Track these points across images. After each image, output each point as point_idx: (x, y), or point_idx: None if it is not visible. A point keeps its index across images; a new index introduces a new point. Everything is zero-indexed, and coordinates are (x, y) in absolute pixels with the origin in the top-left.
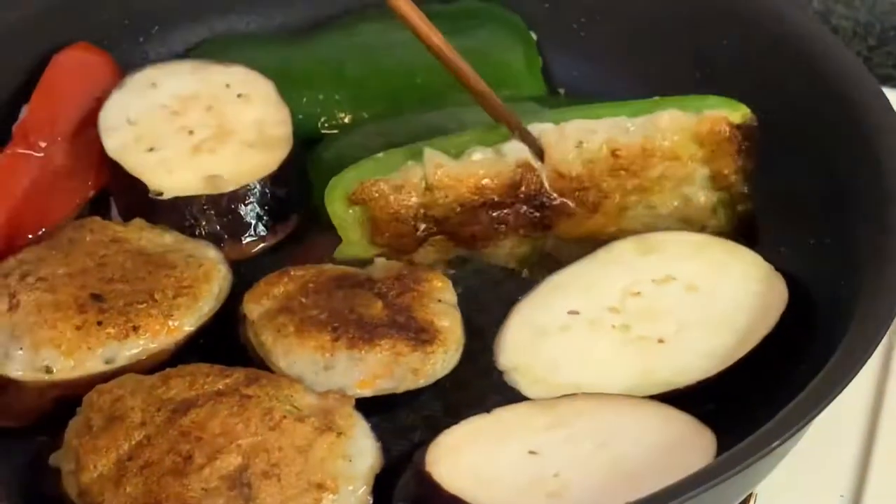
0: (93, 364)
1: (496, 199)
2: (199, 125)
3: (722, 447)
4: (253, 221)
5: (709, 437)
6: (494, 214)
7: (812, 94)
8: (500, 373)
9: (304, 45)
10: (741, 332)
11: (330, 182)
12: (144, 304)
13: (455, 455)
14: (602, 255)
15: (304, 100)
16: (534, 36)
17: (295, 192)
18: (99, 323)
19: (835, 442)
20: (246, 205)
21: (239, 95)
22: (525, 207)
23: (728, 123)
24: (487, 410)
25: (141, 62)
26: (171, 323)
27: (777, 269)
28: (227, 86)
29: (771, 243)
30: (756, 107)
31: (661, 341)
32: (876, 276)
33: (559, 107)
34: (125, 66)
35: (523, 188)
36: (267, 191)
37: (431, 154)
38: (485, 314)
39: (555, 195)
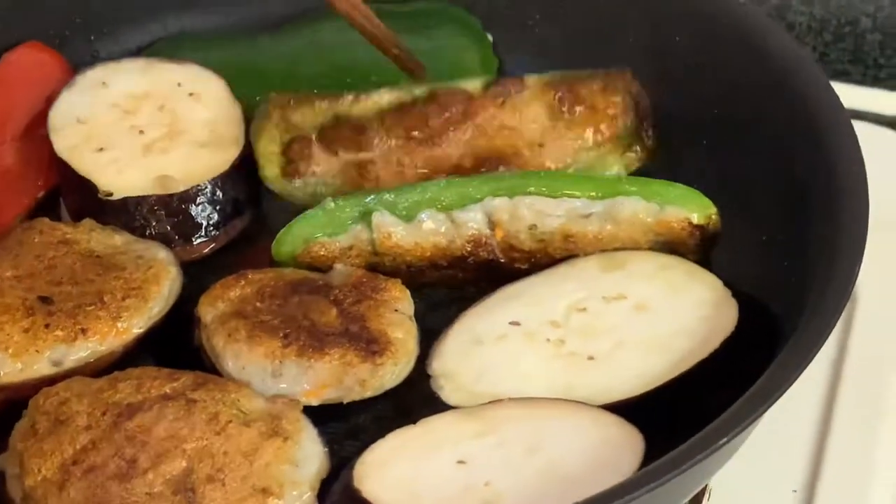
0: (40, 367)
1: (445, 264)
2: (150, 125)
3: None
4: (204, 222)
5: (637, 437)
6: (443, 272)
7: (764, 89)
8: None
9: (258, 44)
10: (677, 356)
11: (277, 236)
12: (93, 307)
13: (383, 469)
14: (563, 269)
15: (258, 98)
16: (490, 37)
17: (246, 192)
18: (46, 325)
19: (788, 437)
20: (197, 205)
21: (191, 94)
22: (475, 267)
23: (690, 223)
24: (413, 421)
25: (92, 61)
26: (119, 325)
27: (733, 287)
28: (179, 84)
29: (723, 242)
30: (708, 102)
31: (590, 358)
32: (826, 270)
33: None
34: (76, 65)
35: (472, 259)
36: (218, 191)
37: (381, 220)
38: (445, 322)
39: (505, 260)
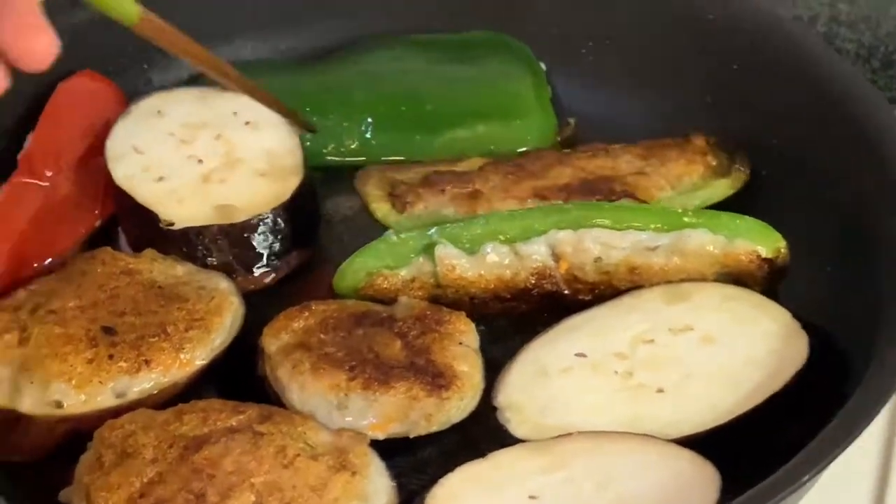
0: (104, 398)
1: (509, 296)
2: (207, 154)
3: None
4: (265, 252)
5: (712, 473)
6: (506, 304)
7: (826, 117)
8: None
9: (311, 72)
10: (748, 389)
11: (339, 269)
12: (156, 338)
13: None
14: (627, 301)
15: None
16: (543, 66)
17: (306, 222)
18: (110, 356)
19: (846, 487)
20: (258, 235)
21: (247, 123)
22: (538, 299)
23: (758, 257)
24: (480, 454)
25: (146, 89)
26: (182, 356)
27: (800, 318)
28: (235, 113)
29: (791, 278)
30: (767, 130)
31: (659, 390)
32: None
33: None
34: (130, 93)
35: (536, 291)
36: (279, 221)
37: (444, 253)
38: (508, 353)
39: (569, 292)
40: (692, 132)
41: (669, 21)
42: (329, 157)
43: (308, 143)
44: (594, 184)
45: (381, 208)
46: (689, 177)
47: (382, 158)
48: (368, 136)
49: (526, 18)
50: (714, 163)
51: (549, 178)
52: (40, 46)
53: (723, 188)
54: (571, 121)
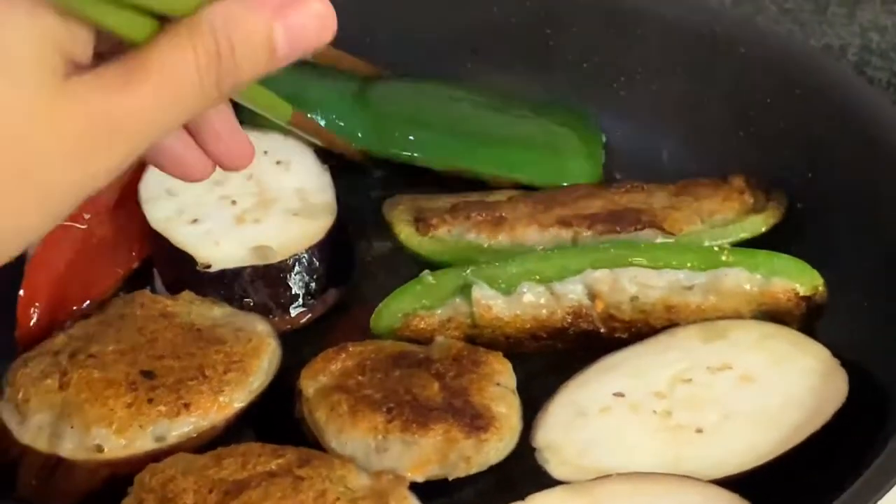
0: (144, 442)
1: (545, 335)
2: (240, 194)
3: None
4: (301, 292)
5: None
6: (542, 343)
7: (857, 149)
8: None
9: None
10: (788, 428)
11: (376, 310)
12: (195, 381)
13: None
14: (663, 339)
15: (323, 123)
16: (603, 138)
17: (341, 260)
18: (150, 400)
19: None
20: (294, 275)
21: (278, 163)
22: (574, 338)
23: (796, 295)
24: (521, 497)
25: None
26: (221, 399)
27: (839, 355)
28: (265, 153)
29: (830, 314)
30: (801, 164)
31: (699, 431)
32: None
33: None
34: None
35: (573, 330)
36: (315, 260)
37: (480, 293)
38: (545, 392)
39: (605, 330)
40: (730, 173)
41: (701, 55)
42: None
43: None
44: (621, 214)
45: (405, 230)
46: (721, 214)
47: (416, 155)
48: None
49: (557, 53)
50: (751, 201)
51: (577, 207)
52: (241, 156)
53: (757, 224)
54: (618, 177)
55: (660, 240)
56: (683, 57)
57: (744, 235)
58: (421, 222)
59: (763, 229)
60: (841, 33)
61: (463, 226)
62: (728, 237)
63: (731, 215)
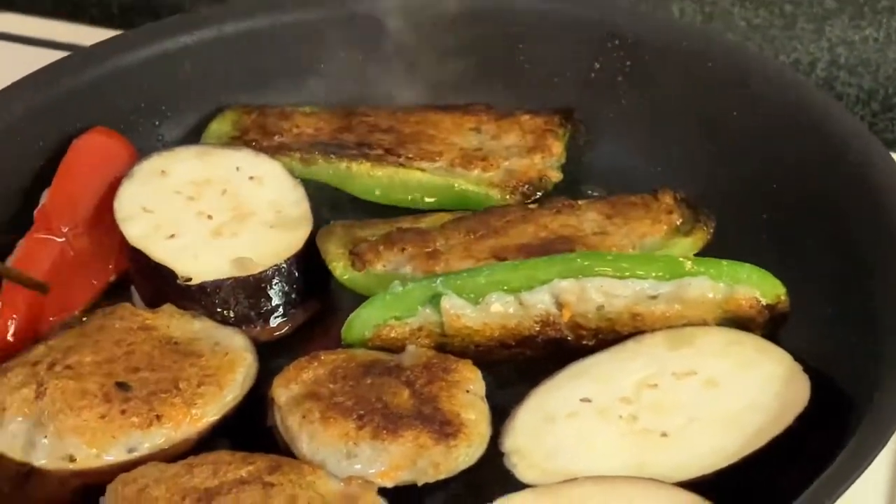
0: (116, 453)
1: (514, 343)
2: (216, 209)
3: None
4: (281, 301)
5: None
6: (511, 351)
7: (822, 162)
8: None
9: None
10: (751, 432)
11: (347, 320)
12: (168, 394)
13: None
14: (631, 346)
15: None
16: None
17: (318, 270)
18: (122, 412)
19: None
20: (274, 285)
21: (251, 178)
22: (542, 345)
23: (759, 303)
24: (490, 501)
25: (158, 145)
26: (194, 412)
27: (802, 361)
28: (238, 168)
29: (791, 316)
30: (767, 176)
31: (664, 435)
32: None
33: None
34: (142, 148)
35: (541, 338)
36: (294, 270)
37: (450, 303)
38: (515, 399)
39: (573, 338)
40: (660, 188)
41: (669, 70)
42: None
43: None
44: (554, 244)
45: (339, 267)
46: (651, 236)
47: None
48: None
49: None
50: (679, 221)
51: (510, 236)
52: None
53: (686, 247)
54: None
55: None
56: (651, 72)
57: None
58: (356, 257)
59: (692, 252)
60: (810, 49)
61: (397, 259)
62: None
63: (659, 237)
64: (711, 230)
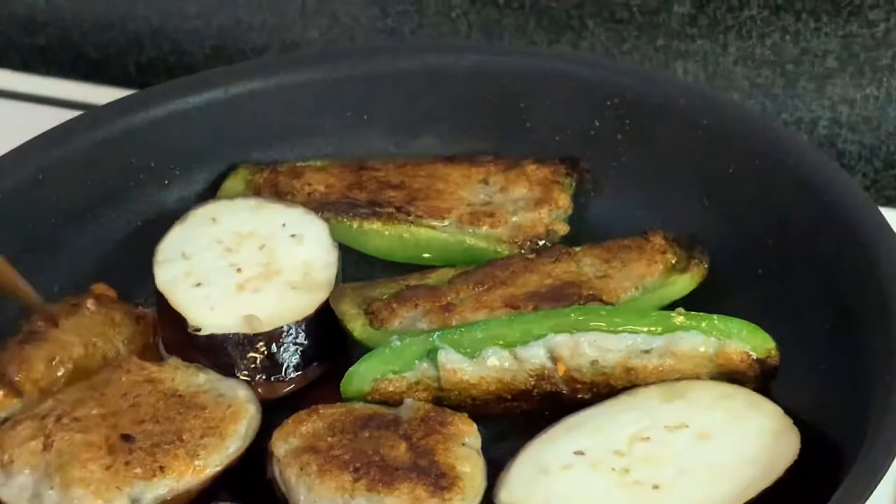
0: (120, 503)
1: (509, 397)
2: (248, 263)
3: None
4: (286, 363)
5: None
6: (507, 404)
7: (814, 218)
8: None
9: None
10: (742, 484)
11: (346, 374)
12: (171, 445)
13: None
14: (624, 399)
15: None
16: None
17: (329, 335)
18: (127, 463)
19: None
20: (280, 346)
21: (292, 235)
22: (538, 398)
23: (749, 357)
24: None
25: (168, 203)
26: (196, 463)
27: (792, 414)
28: (283, 225)
29: (782, 370)
30: (762, 232)
31: (656, 487)
32: (884, 398)
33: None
34: (151, 208)
35: (537, 391)
36: (302, 334)
37: (446, 358)
38: (510, 452)
39: (568, 391)
40: (650, 230)
41: (663, 125)
42: None
43: None
44: (561, 290)
45: (357, 326)
46: (650, 276)
47: None
48: None
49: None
50: (673, 260)
51: (518, 285)
52: None
53: (682, 284)
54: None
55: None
56: (650, 130)
57: (673, 297)
58: (373, 316)
59: (691, 288)
60: (812, 107)
61: (412, 314)
62: (663, 301)
63: (657, 277)
64: (706, 265)
